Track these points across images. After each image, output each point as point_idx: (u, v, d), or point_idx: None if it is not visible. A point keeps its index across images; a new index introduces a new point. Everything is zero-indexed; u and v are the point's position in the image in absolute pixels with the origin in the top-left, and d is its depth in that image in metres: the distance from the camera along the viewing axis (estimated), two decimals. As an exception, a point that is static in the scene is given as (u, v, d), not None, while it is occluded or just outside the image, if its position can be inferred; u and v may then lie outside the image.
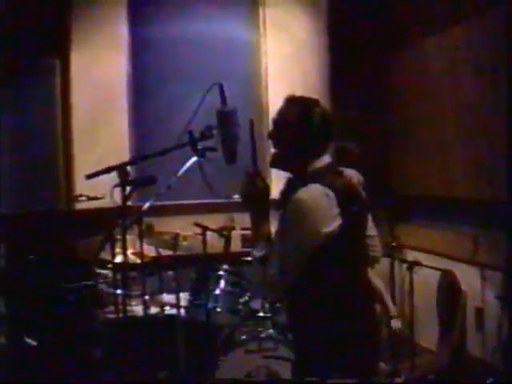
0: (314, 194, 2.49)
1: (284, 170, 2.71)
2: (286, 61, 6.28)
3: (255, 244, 2.60)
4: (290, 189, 2.61)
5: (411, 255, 5.53)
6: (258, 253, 2.58)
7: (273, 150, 2.70)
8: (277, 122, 2.69)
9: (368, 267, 2.92)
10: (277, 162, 2.70)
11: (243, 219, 2.81)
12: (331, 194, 2.49)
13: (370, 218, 2.84)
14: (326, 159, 2.64)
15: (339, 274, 2.55)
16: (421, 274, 4.78)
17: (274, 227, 2.64)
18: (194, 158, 2.83)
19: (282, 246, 2.49)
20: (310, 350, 2.59)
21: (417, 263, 4.74)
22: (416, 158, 5.91)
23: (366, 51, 6.21)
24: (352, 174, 2.78)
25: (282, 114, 2.68)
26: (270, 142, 2.70)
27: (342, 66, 6.24)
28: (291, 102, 2.68)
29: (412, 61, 5.92)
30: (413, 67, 5.91)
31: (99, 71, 5.92)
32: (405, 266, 4.87)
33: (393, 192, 6.11)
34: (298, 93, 2.74)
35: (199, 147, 2.77)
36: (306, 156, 2.61)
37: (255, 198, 2.63)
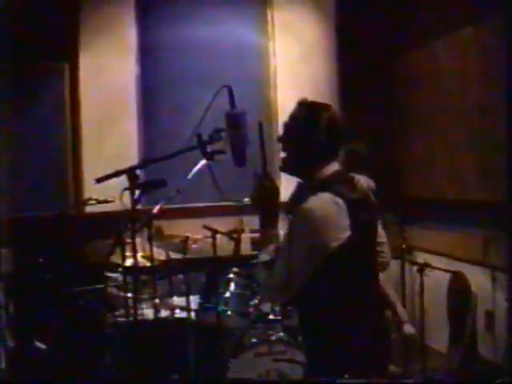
0: (323, 203, 2.48)
1: (293, 174, 2.71)
2: (294, 63, 6.28)
3: (263, 247, 2.61)
4: (299, 194, 2.62)
5: (421, 257, 5.52)
6: (264, 256, 2.59)
7: (282, 154, 2.71)
8: (286, 125, 2.70)
9: (378, 275, 2.92)
10: (285, 167, 2.70)
11: (253, 222, 2.82)
12: (341, 202, 2.48)
13: (379, 224, 2.83)
14: (334, 166, 2.63)
15: (348, 283, 2.54)
16: (431, 276, 4.77)
17: (283, 230, 2.66)
18: (204, 161, 2.84)
19: (289, 253, 2.48)
20: (321, 354, 2.59)
21: (427, 265, 4.73)
22: (426, 160, 5.90)
23: (374, 52, 6.21)
24: (362, 180, 2.77)
25: (291, 117, 2.68)
26: (279, 145, 2.71)
27: (350, 67, 6.24)
28: (301, 106, 2.67)
29: (421, 62, 5.91)
30: (422, 68, 5.90)
31: (108, 75, 5.95)
32: (415, 268, 4.85)
33: (402, 194, 6.10)
34: (307, 95, 2.74)
35: (208, 150, 2.78)
36: (314, 161, 2.60)
37: (264, 200, 2.63)
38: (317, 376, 2.58)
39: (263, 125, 2.66)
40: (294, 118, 2.66)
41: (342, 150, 2.70)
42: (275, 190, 2.66)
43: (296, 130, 2.62)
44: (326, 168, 2.60)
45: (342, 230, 2.47)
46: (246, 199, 2.71)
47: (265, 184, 2.64)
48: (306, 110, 2.63)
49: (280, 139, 2.70)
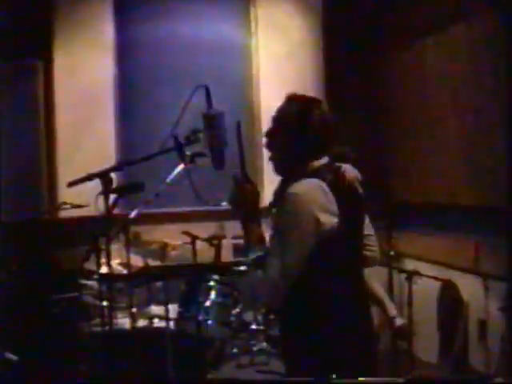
0: (309, 187, 2.53)
1: (285, 172, 2.73)
2: (278, 61, 6.30)
3: (248, 248, 2.62)
4: (284, 188, 2.64)
5: (410, 264, 5.55)
6: (252, 255, 2.60)
7: (269, 156, 2.72)
8: (274, 120, 2.72)
9: (364, 268, 2.94)
10: (279, 170, 2.72)
11: (234, 227, 2.83)
12: (327, 189, 2.53)
13: (366, 216, 2.87)
14: (324, 160, 2.67)
15: (334, 277, 2.57)
16: (420, 285, 4.78)
17: (266, 235, 2.67)
18: (182, 165, 2.86)
19: (281, 244, 2.50)
20: (303, 357, 2.60)
21: (416, 273, 4.75)
22: (415, 163, 5.90)
23: (363, 51, 6.22)
24: (349, 170, 2.79)
25: (280, 112, 2.71)
26: (262, 143, 2.73)
27: (338, 66, 6.26)
28: (291, 100, 2.71)
29: (410, 61, 5.91)
30: (411, 67, 5.91)
31: (84, 74, 5.95)
32: (403, 276, 4.88)
33: (391, 198, 6.10)
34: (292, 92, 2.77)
35: (187, 153, 2.79)
36: (302, 158, 2.64)
37: (244, 204, 2.65)
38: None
39: (241, 125, 2.68)
40: (284, 113, 2.69)
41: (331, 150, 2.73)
42: (255, 193, 2.67)
43: (286, 127, 2.65)
44: (315, 162, 2.65)
45: (330, 214, 2.51)
46: (225, 203, 2.72)
47: (244, 187, 2.66)
48: (297, 105, 2.67)
49: (267, 134, 2.72)
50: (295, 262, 2.51)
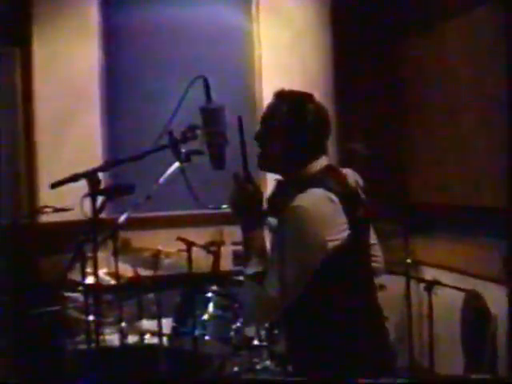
0: (316, 200, 2.54)
1: (274, 172, 2.76)
2: (282, 51, 6.30)
3: (247, 260, 2.64)
4: (282, 194, 2.66)
5: (430, 273, 5.54)
6: (251, 269, 2.62)
7: (259, 151, 2.75)
8: (265, 120, 2.74)
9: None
10: (264, 162, 2.75)
11: (234, 233, 2.84)
12: (335, 199, 2.55)
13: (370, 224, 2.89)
14: (323, 161, 2.70)
15: (346, 291, 2.60)
16: (441, 296, 4.79)
17: (268, 240, 2.69)
18: (177, 164, 2.86)
19: (282, 261, 2.50)
20: (312, 375, 2.62)
21: (436, 283, 4.76)
22: (435, 161, 5.88)
23: (375, 38, 6.20)
24: (350, 175, 2.81)
25: (270, 111, 2.74)
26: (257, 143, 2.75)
27: (347, 55, 6.25)
28: (280, 97, 2.73)
29: (428, 48, 5.91)
30: (430, 55, 5.90)
31: (66, 62, 5.95)
32: (422, 286, 4.89)
33: (408, 200, 6.11)
34: (297, 87, 2.79)
35: (183, 150, 2.80)
36: (300, 159, 2.67)
37: (246, 207, 2.67)
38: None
39: (243, 120, 2.69)
40: (274, 112, 2.72)
41: (332, 147, 2.75)
42: (258, 195, 2.70)
43: (278, 126, 2.67)
44: (313, 164, 2.67)
45: (339, 229, 2.54)
46: (225, 206, 2.74)
47: (246, 188, 2.67)
48: (288, 103, 2.69)
49: (258, 136, 2.74)
50: (296, 283, 2.53)
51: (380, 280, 3.05)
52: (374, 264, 2.90)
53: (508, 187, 4.94)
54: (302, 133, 2.64)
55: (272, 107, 2.74)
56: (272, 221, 2.70)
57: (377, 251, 2.95)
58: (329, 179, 2.62)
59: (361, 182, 2.86)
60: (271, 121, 2.72)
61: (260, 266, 2.60)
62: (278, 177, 2.80)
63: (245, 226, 2.69)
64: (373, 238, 2.90)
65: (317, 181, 2.60)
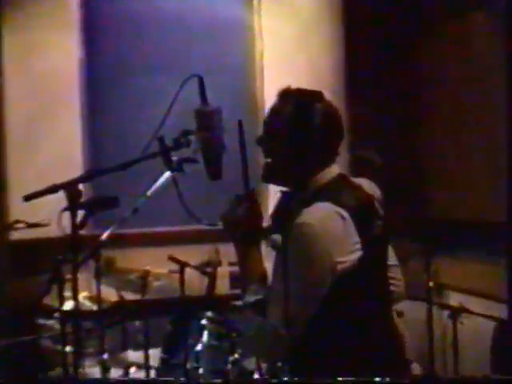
0: (323, 215, 2.56)
1: (280, 184, 2.78)
2: (287, 46, 6.32)
3: (245, 286, 2.65)
4: (286, 207, 2.68)
5: (455, 299, 5.55)
6: (250, 297, 2.63)
7: (264, 161, 2.77)
8: (268, 123, 2.76)
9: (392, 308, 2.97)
10: (270, 176, 2.76)
11: (232, 252, 2.86)
12: (346, 215, 2.56)
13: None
14: (334, 170, 2.72)
15: (359, 320, 2.61)
16: (469, 324, 4.79)
17: (268, 262, 2.72)
18: (168, 173, 2.88)
19: (287, 286, 2.48)
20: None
21: (463, 309, 4.77)
22: (460, 171, 5.90)
23: (393, 32, 6.23)
24: (366, 186, 2.82)
25: (274, 113, 2.76)
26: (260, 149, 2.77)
27: (362, 49, 6.27)
28: (285, 97, 2.75)
29: (451, 42, 5.92)
30: (452, 50, 5.92)
31: (42, 59, 5.96)
32: (446, 313, 4.90)
33: (430, 215, 6.11)
34: (303, 86, 2.81)
35: (174, 158, 2.82)
36: (308, 167, 2.68)
37: (242, 225, 2.68)
38: None
39: (244, 125, 2.71)
40: (279, 113, 2.73)
41: (344, 154, 2.77)
42: (256, 212, 2.71)
43: (283, 129, 2.68)
44: (322, 173, 2.69)
45: (350, 249, 2.56)
46: (220, 223, 2.76)
47: (243, 204, 2.69)
48: (293, 102, 2.70)
49: (260, 142, 2.76)
50: (303, 310, 2.55)
51: (399, 306, 3.08)
52: (392, 288, 2.91)
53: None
54: (309, 136, 2.65)
55: (275, 108, 2.76)
56: (277, 238, 2.72)
57: (396, 274, 2.96)
58: (340, 191, 2.64)
59: (379, 194, 2.86)
60: (274, 123, 2.74)
61: (260, 292, 2.62)
62: (282, 189, 2.82)
63: (240, 246, 2.70)
64: (392, 259, 2.92)
65: (326, 193, 2.62)
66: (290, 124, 2.67)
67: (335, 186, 2.66)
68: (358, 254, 2.56)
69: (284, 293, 2.44)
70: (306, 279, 2.54)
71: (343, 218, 2.56)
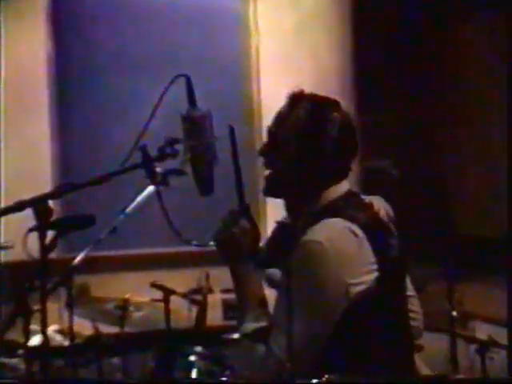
0: (333, 232, 2.57)
1: (283, 197, 2.79)
2: (286, 40, 6.34)
3: (244, 314, 2.65)
4: (285, 237, 2.69)
5: (483, 330, 5.55)
6: (249, 325, 2.62)
7: (266, 172, 2.77)
8: (275, 131, 2.76)
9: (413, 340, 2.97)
10: (272, 188, 2.77)
11: (224, 276, 2.86)
12: (359, 231, 2.58)
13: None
14: (344, 186, 2.73)
15: (375, 352, 2.61)
16: (499, 360, 4.80)
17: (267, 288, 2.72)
18: (151, 187, 2.88)
19: (293, 313, 2.47)
20: None
21: (492, 343, 4.77)
22: (488, 182, 5.91)
23: (408, 24, 6.25)
24: (378, 204, 2.83)
25: (282, 119, 2.75)
26: (262, 160, 2.77)
27: (373, 45, 6.29)
28: (297, 102, 2.74)
29: (479, 33, 5.95)
30: (481, 43, 5.94)
31: (6, 56, 5.97)
32: (473, 347, 4.90)
33: (452, 233, 6.12)
34: (305, 86, 2.82)
35: (159, 170, 2.82)
36: (317, 181, 2.69)
37: (238, 247, 2.69)
38: None
39: (236, 131, 2.72)
40: (288, 120, 2.73)
41: (354, 164, 2.78)
42: (253, 231, 2.71)
43: (293, 138, 2.69)
44: (332, 189, 2.70)
45: (364, 270, 2.57)
46: (212, 243, 2.76)
47: (238, 222, 2.69)
48: (308, 109, 2.71)
49: (264, 151, 2.76)
50: (312, 340, 2.55)
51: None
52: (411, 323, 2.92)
53: None
54: (322, 148, 2.66)
55: (284, 114, 2.76)
56: (272, 273, 2.72)
57: (414, 306, 2.96)
58: (350, 208, 2.65)
59: (391, 213, 2.88)
60: (283, 132, 2.73)
61: (261, 321, 2.62)
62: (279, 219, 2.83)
63: (235, 270, 2.70)
64: (409, 289, 2.93)
65: (335, 209, 2.63)
66: (301, 133, 2.68)
67: (345, 202, 2.67)
68: (374, 275, 2.57)
69: (288, 322, 2.43)
70: (315, 306, 2.54)
71: (356, 234, 2.57)
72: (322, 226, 2.57)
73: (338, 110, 2.72)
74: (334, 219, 2.58)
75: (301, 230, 2.61)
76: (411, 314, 2.91)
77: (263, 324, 2.60)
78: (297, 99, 2.75)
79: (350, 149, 2.74)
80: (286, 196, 2.79)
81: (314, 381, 2.36)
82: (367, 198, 2.80)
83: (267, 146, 2.77)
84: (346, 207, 2.64)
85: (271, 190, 2.80)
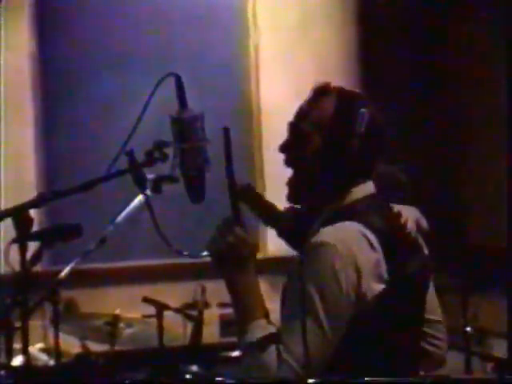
0: (345, 235, 2.57)
1: (309, 205, 2.80)
2: (286, 37, 6.34)
3: (245, 326, 2.65)
4: (303, 225, 2.71)
5: (500, 347, 5.55)
6: (253, 335, 2.61)
7: (288, 172, 2.77)
8: (298, 125, 2.75)
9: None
10: (297, 195, 2.78)
11: (221, 290, 2.86)
12: (373, 237, 2.57)
13: (433, 291, 2.91)
14: (368, 188, 2.74)
15: (373, 363, 2.60)
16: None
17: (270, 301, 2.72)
18: (141, 195, 2.89)
19: (301, 320, 2.46)
20: None
21: (510, 361, 4.77)
22: (504, 189, 5.91)
23: (414, 21, 6.27)
24: (407, 213, 2.82)
25: (307, 113, 2.75)
26: (283, 158, 2.77)
27: (380, 43, 6.30)
28: (324, 94, 2.74)
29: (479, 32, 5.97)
30: (498, 45, 5.95)
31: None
32: (489, 365, 4.90)
33: (467, 244, 6.12)
34: (306, 88, 2.82)
35: (148, 176, 2.82)
36: (342, 180, 2.69)
37: (234, 256, 2.69)
38: None
39: (231, 134, 2.71)
40: (315, 114, 2.73)
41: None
42: (249, 242, 2.71)
43: (319, 132, 2.69)
44: (355, 190, 2.71)
45: (375, 280, 2.56)
46: (205, 253, 2.76)
47: (233, 231, 2.69)
48: (334, 102, 2.71)
49: (286, 148, 2.76)
50: (324, 346, 2.54)
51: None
52: (432, 349, 2.95)
53: None
54: (349, 145, 2.65)
55: (309, 107, 2.75)
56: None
57: (438, 332, 2.97)
58: (370, 212, 2.65)
59: (424, 226, 2.88)
60: (308, 125, 2.72)
61: (267, 330, 2.61)
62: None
63: (234, 284, 2.71)
64: (436, 313, 2.94)
65: (353, 211, 2.64)
66: (328, 128, 2.68)
67: (366, 205, 2.68)
68: (381, 287, 2.56)
69: (301, 327, 2.42)
70: (324, 311, 2.53)
71: (368, 239, 2.57)
72: (336, 227, 2.57)
73: (368, 105, 2.72)
74: (349, 222, 2.59)
75: (316, 229, 2.62)
76: (433, 341, 2.94)
77: (271, 331, 2.58)
78: (323, 92, 2.74)
79: (378, 147, 2.75)
80: (312, 200, 2.79)
81: (311, 380, 2.38)
82: (397, 207, 2.81)
83: (289, 142, 2.75)
84: (365, 211, 2.64)
85: (295, 196, 2.79)
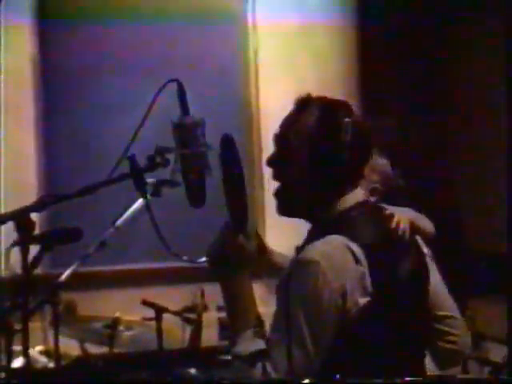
0: (330, 251, 2.57)
1: (299, 216, 2.80)
2: (286, 40, 6.35)
3: (236, 334, 2.67)
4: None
5: (499, 352, 5.55)
6: (242, 348, 2.64)
7: (275, 188, 2.78)
8: (283, 137, 2.76)
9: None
10: (285, 207, 2.78)
11: (221, 294, 2.87)
12: (358, 250, 2.57)
13: (440, 287, 2.97)
14: (357, 196, 2.74)
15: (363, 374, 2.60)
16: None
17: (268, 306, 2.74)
18: (142, 199, 2.89)
19: (288, 334, 2.51)
20: None
21: (507, 366, 4.77)
22: (502, 196, 5.92)
23: (416, 24, 6.27)
24: (402, 216, 2.83)
25: (291, 124, 2.75)
26: (270, 172, 2.79)
27: (382, 46, 6.29)
28: (306, 105, 2.74)
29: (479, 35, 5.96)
30: (482, 45, 5.95)
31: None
32: (487, 369, 4.90)
33: (468, 249, 6.11)
34: (307, 90, 2.82)
35: (149, 181, 2.83)
36: (329, 192, 2.70)
37: (233, 262, 2.71)
38: None
39: (233, 139, 2.73)
40: (297, 125, 2.73)
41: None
42: (248, 248, 2.72)
43: (303, 144, 2.69)
44: (343, 200, 2.71)
45: (359, 292, 2.56)
46: (204, 259, 2.77)
47: (234, 237, 2.71)
48: (318, 112, 2.71)
49: (272, 162, 2.77)
50: (304, 365, 2.54)
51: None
52: (448, 346, 2.98)
53: None
54: (335, 156, 2.66)
55: (293, 118, 2.76)
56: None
57: (451, 328, 3.00)
58: (360, 221, 2.67)
59: (428, 229, 2.88)
60: (289, 138, 2.73)
61: (256, 343, 2.62)
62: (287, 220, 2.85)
63: (229, 289, 2.72)
64: (445, 308, 2.98)
65: (340, 224, 2.65)
66: (312, 139, 2.68)
67: (354, 214, 2.69)
68: (366, 300, 2.56)
69: (287, 343, 2.48)
70: (309, 326, 2.53)
71: (354, 255, 2.57)
72: (322, 242, 2.58)
73: (352, 113, 2.72)
74: (335, 236, 2.59)
75: (305, 242, 2.65)
76: (450, 337, 2.97)
77: (259, 347, 2.58)
78: (305, 103, 2.74)
79: (363, 155, 2.75)
80: (300, 212, 2.80)
81: (306, 381, 2.40)
82: (391, 209, 2.82)
83: (275, 155, 2.77)
84: (352, 222, 2.65)
85: (285, 209, 2.80)
